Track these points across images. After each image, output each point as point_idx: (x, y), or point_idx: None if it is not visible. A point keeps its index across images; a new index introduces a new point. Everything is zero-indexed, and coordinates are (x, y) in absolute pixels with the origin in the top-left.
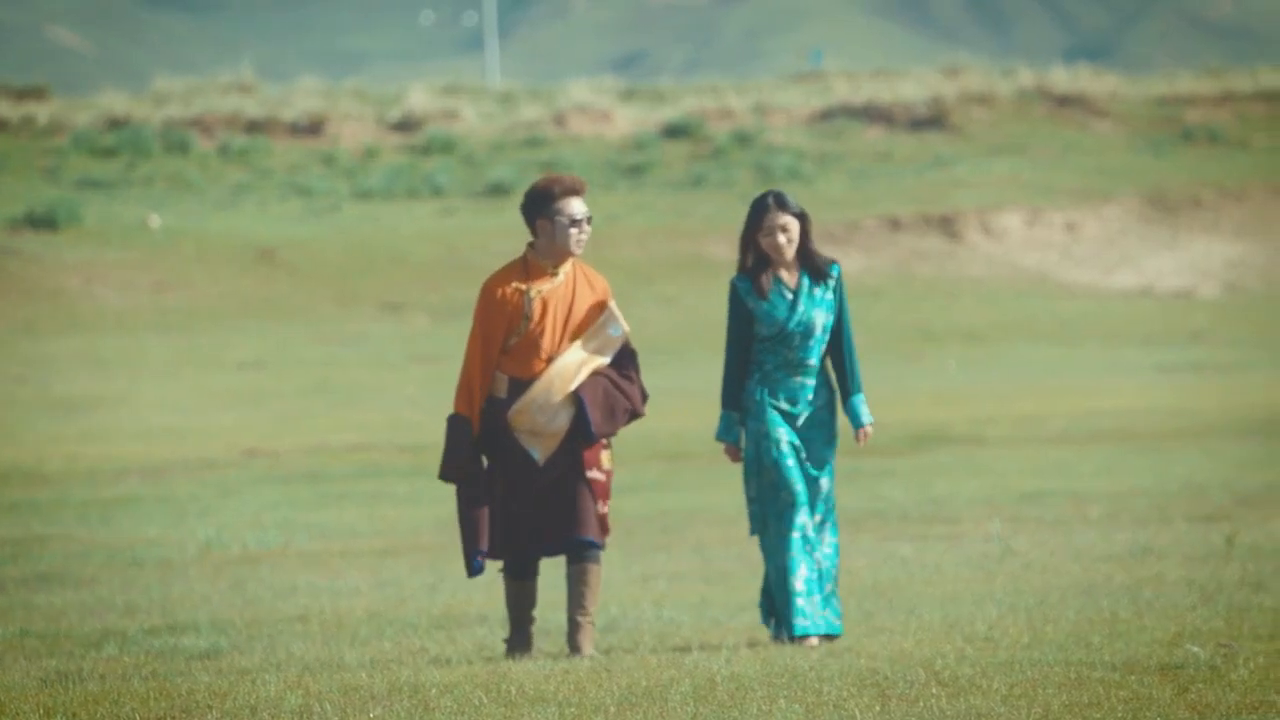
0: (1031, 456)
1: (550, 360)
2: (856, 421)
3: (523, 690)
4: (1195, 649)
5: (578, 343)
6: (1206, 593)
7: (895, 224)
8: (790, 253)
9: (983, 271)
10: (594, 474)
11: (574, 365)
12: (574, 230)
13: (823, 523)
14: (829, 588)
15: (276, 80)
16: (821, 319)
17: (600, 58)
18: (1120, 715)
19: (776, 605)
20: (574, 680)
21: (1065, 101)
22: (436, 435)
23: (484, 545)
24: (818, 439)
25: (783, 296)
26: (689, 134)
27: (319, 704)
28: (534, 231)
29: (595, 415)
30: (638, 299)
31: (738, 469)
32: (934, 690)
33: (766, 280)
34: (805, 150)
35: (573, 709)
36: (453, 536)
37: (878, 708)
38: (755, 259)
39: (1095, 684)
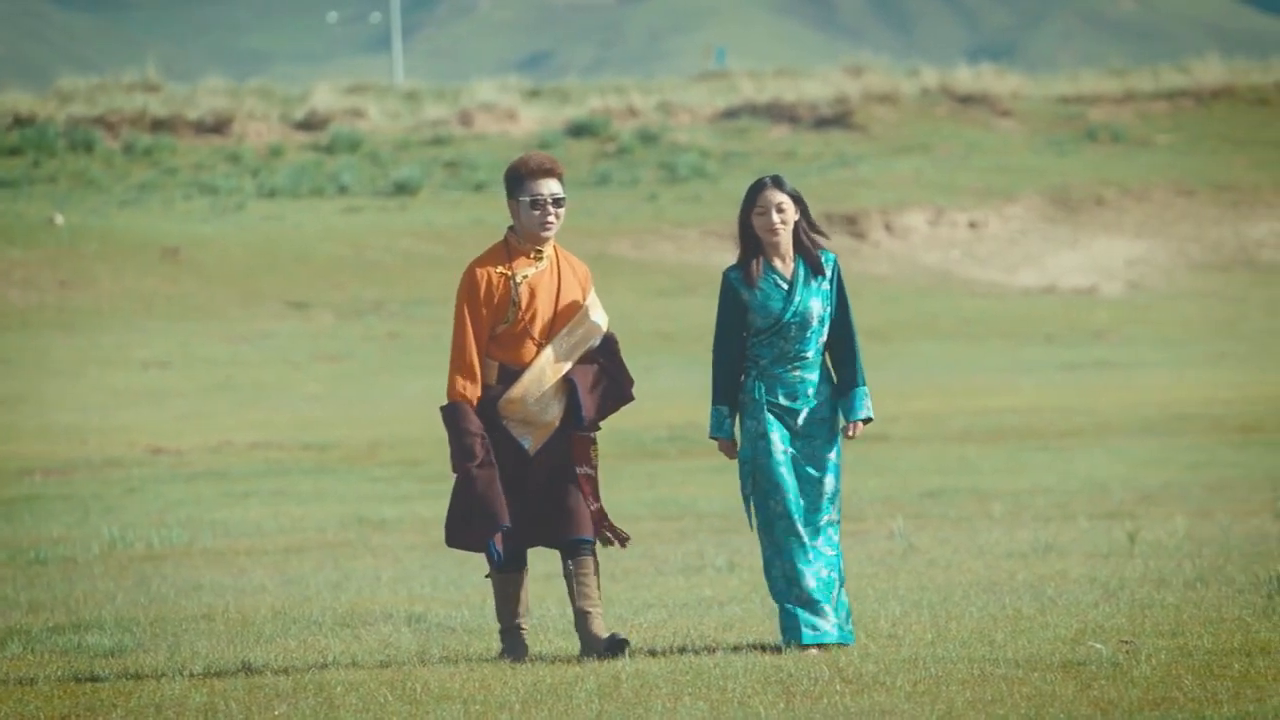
0: (934, 454)
1: (540, 346)
2: (852, 414)
3: (428, 688)
4: (1098, 646)
5: (565, 329)
6: (1109, 590)
7: None
8: (785, 235)
9: (886, 270)
10: (584, 470)
11: (564, 352)
12: (537, 212)
13: (828, 524)
14: (834, 595)
15: (182, 79)
16: (819, 309)
17: (505, 57)
18: (1023, 712)
19: (793, 607)
20: (479, 678)
21: (968, 101)
22: (340, 433)
23: (506, 520)
24: (820, 435)
25: (777, 286)
26: (594, 133)
27: (224, 702)
28: (511, 214)
29: (588, 400)
30: None
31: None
32: (838, 687)
33: (757, 267)
34: (710, 149)
35: (478, 706)
36: (358, 533)
37: (782, 705)
38: (747, 246)
39: (998, 681)
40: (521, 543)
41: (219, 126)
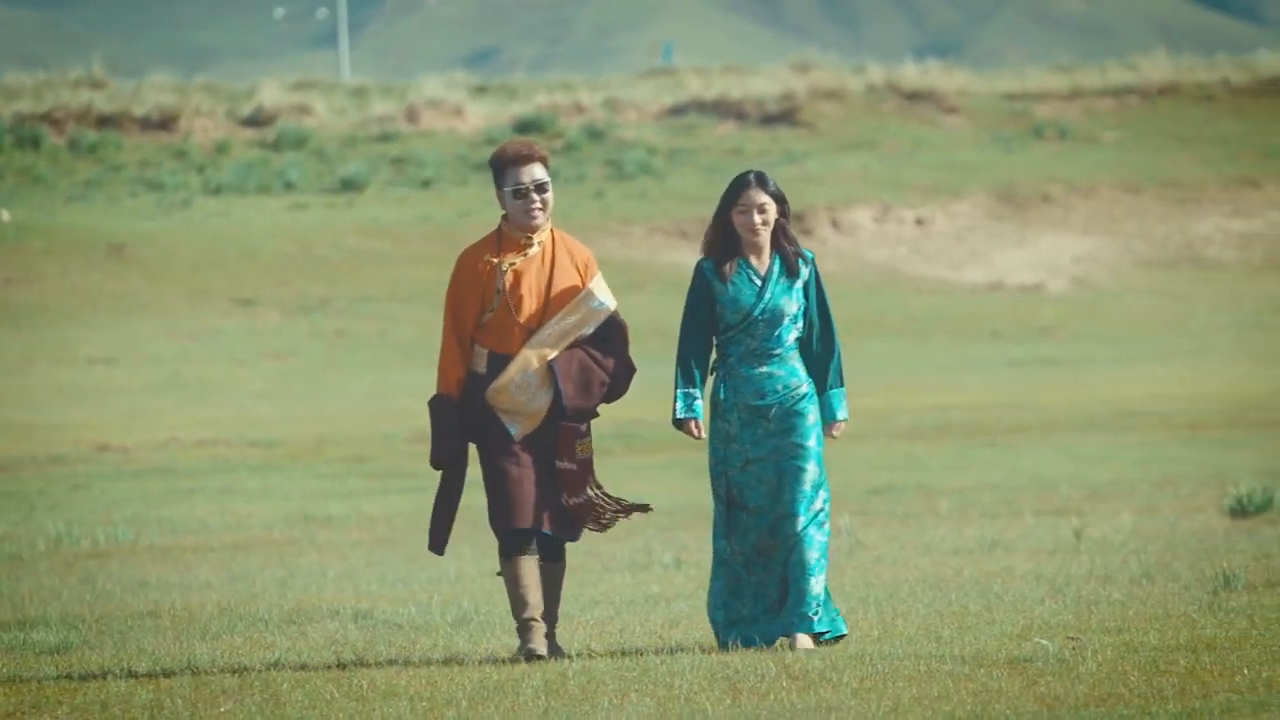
0: (881, 451)
1: (529, 334)
2: (831, 415)
3: (374, 685)
4: (1044, 642)
5: (557, 316)
6: (1055, 586)
7: None
8: (764, 235)
9: (833, 266)
10: (565, 464)
11: (552, 339)
12: (520, 201)
13: (817, 512)
14: (817, 585)
15: (128, 75)
16: (791, 308)
17: (452, 53)
18: (969, 708)
19: (727, 622)
20: (425, 675)
21: (915, 97)
22: (286, 430)
23: (445, 539)
24: (797, 427)
25: (750, 282)
26: (540, 129)
27: (170, 699)
28: (500, 205)
29: (568, 388)
30: None
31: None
32: (784, 684)
33: (731, 267)
34: (657, 146)
35: (424, 703)
36: (304, 530)
37: (729, 701)
38: (725, 242)
39: (944, 677)
40: (524, 526)
41: (165, 123)
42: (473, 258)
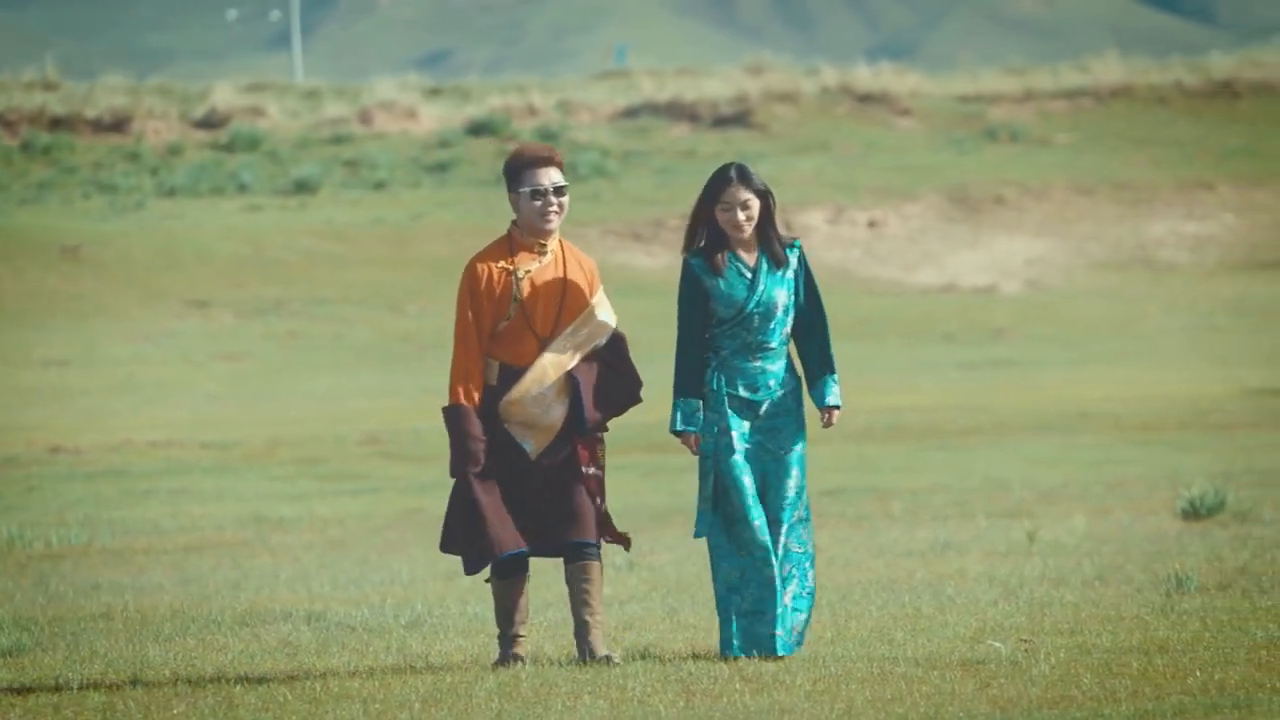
0: (834, 453)
1: (543, 345)
2: (821, 400)
3: (327, 687)
4: (996, 644)
5: (570, 328)
6: (1008, 588)
7: None
8: (749, 231)
9: None
10: (591, 470)
11: (568, 351)
12: (537, 203)
13: (797, 522)
14: (785, 597)
15: (81, 77)
16: (783, 299)
17: (406, 56)
18: (922, 710)
19: (733, 617)
20: (378, 677)
21: (868, 100)
22: (240, 432)
23: (508, 546)
24: (785, 429)
25: (741, 275)
26: (494, 131)
27: (122, 701)
28: (512, 207)
29: (590, 400)
30: (442, 296)
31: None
32: (738, 686)
33: (722, 259)
34: (610, 148)
35: (378, 705)
36: (257, 532)
37: (682, 703)
38: (709, 236)
39: (898, 679)
40: (524, 551)
41: (118, 125)
42: (485, 264)
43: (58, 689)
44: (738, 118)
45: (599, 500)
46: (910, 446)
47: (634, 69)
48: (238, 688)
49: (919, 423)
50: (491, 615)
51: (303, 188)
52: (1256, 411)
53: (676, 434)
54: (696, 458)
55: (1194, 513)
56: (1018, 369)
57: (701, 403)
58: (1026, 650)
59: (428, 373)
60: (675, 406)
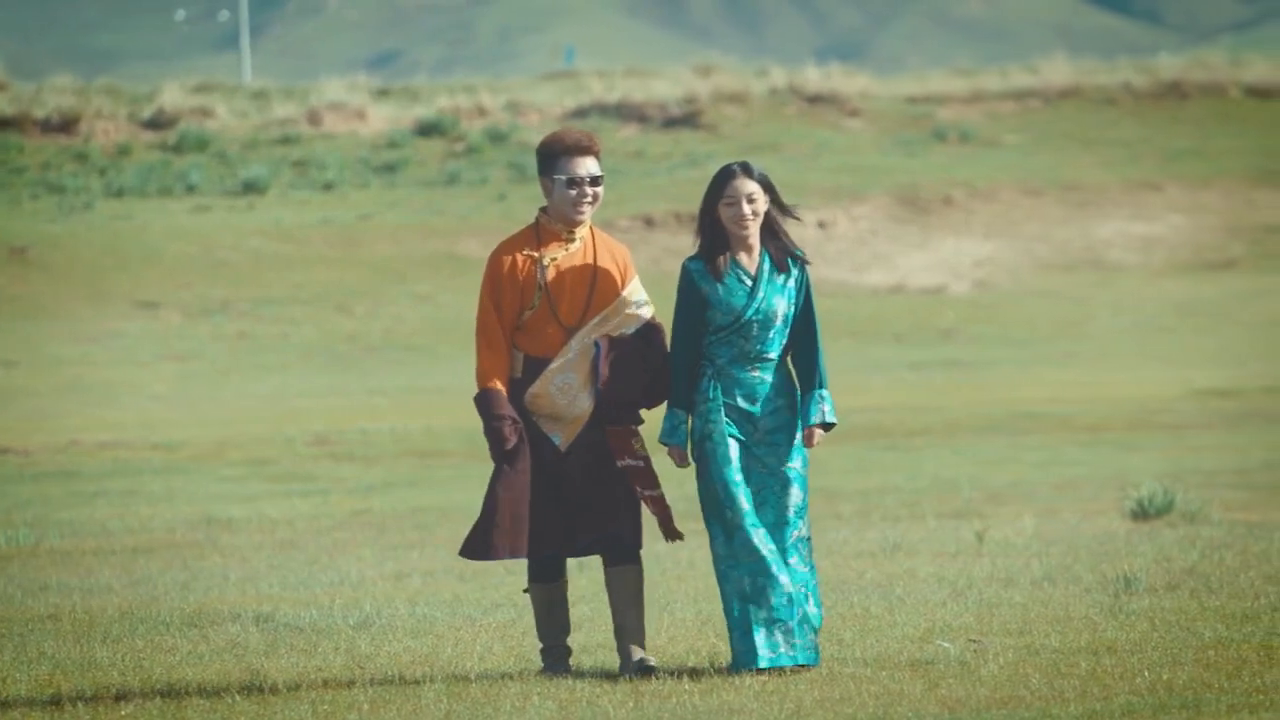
0: None
1: (569, 334)
2: (807, 418)
3: (276, 688)
4: (945, 644)
5: (597, 318)
6: (957, 589)
7: (649, 222)
8: (754, 227)
9: None
10: (628, 461)
11: (595, 342)
12: (572, 192)
13: (798, 540)
14: (800, 612)
15: (28, 77)
16: (783, 308)
17: (354, 56)
18: (871, 710)
19: (731, 630)
20: (327, 677)
21: (817, 101)
22: (188, 433)
23: (521, 546)
24: (783, 443)
25: (741, 282)
26: (442, 132)
27: (70, 703)
28: (543, 193)
29: (605, 369)
30: (390, 296)
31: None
32: (687, 686)
33: (723, 262)
34: None
35: (326, 706)
36: (206, 533)
37: (631, 704)
38: (712, 238)
39: (847, 679)
40: (559, 551)
41: (66, 125)
42: (510, 252)
43: (5, 690)
44: (687, 118)
45: (648, 491)
46: (859, 447)
47: (582, 69)
48: (187, 689)
49: (868, 423)
50: (439, 616)
51: (251, 188)
52: (1204, 412)
53: (663, 444)
54: (692, 463)
55: (1142, 513)
56: (966, 369)
57: (685, 415)
58: (975, 651)
59: (375, 373)
60: (666, 416)
